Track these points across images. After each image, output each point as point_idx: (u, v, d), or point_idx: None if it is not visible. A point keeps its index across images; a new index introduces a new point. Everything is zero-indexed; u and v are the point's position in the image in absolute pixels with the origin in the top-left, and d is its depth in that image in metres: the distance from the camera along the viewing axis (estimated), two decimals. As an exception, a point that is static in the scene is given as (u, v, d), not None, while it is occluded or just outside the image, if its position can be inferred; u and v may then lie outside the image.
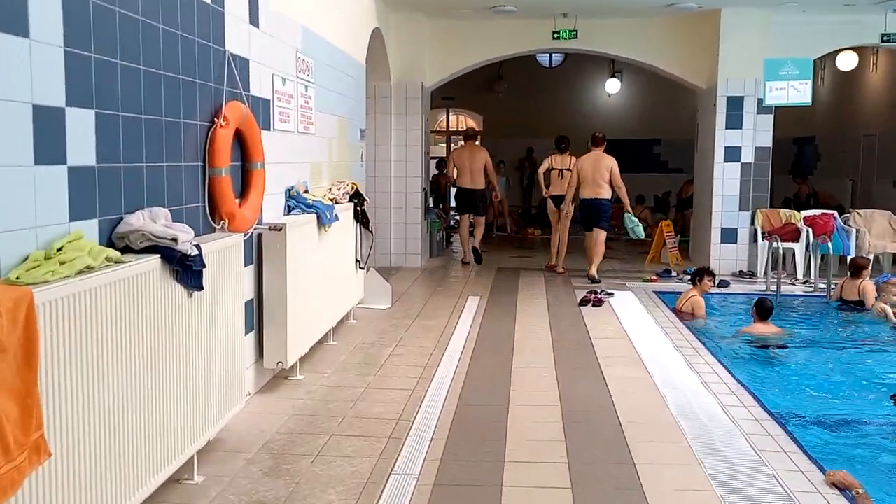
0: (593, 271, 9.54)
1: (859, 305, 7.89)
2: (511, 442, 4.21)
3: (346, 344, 6.35)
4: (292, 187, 5.61)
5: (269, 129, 5.15)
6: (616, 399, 4.96)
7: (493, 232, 14.27)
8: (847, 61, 13.94)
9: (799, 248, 9.82)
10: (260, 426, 4.40)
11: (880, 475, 4.14)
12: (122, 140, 3.29)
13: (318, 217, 5.64)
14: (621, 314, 7.55)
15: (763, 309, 6.78)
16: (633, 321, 7.24)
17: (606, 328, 6.99)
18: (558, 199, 10.42)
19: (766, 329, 6.69)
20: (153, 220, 3.34)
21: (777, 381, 5.60)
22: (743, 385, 5.26)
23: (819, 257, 9.43)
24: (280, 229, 4.93)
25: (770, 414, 4.67)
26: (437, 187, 14.11)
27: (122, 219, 3.24)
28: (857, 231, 10.05)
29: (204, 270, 3.46)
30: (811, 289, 9.16)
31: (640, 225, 9.96)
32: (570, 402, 4.88)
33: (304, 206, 5.57)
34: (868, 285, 7.93)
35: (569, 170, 10.19)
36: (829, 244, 8.94)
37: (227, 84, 4.41)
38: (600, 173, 9.61)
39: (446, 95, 16.50)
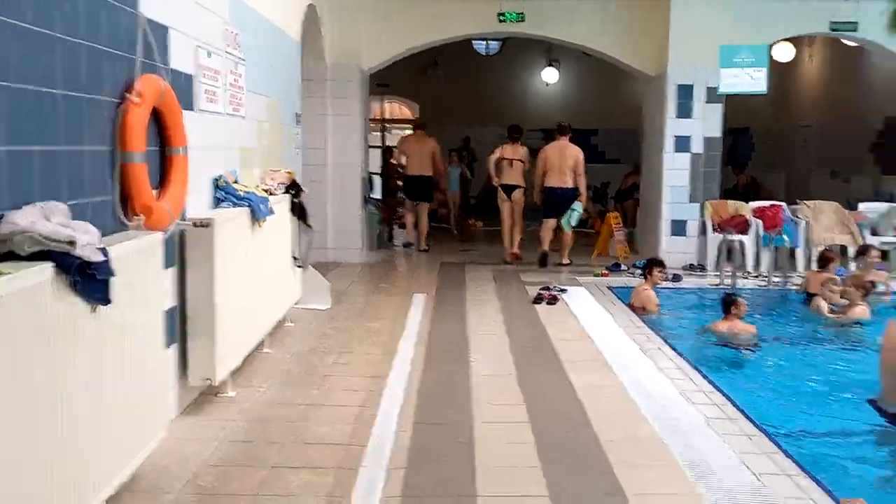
0: (566, 259, 9.99)
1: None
2: (481, 470, 3.66)
3: (284, 352, 5.69)
4: (220, 176, 4.92)
5: (192, 110, 4.45)
6: (590, 411, 4.48)
7: (435, 223, 13.67)
8: (783, 52, 13.88)
9: (749, 240, 9.60)
10: (185, 456, 3.73)
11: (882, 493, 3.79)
12: (2, 117, 2.59)
13: (252, 211, 4.97)
14: (578, 313, 7.11)
15: (733, 304, 6.43)
16: (592, 320, 6.81)
17: (565, 329, 6.54)
18: (509, 189, 10.25)
19: (736, 327, 6.35)
20: (46, 218, 2.65)
21: (754, 387, 5.22)
22: (720, 390, 4.87)
23: (774, 250, 9.23)
24: (207, 225, 4.25)
25: (756, 426, 4.27)
26: (387, 178, 13.72)
27: (2, 217, 2.54)
28: (806, 223, 9.91)
29: (111, 279, 2.78)
30: (765, 283, 8.95)
31: (577, 212, 10.02)
32: (540, 418, 4.38)
33: (234, 199, 4.89)
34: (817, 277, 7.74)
35: (520, 160, 10.11)
36: (785, 237, 8.72)
37: (142, 54, 3.71)
38: (566, 162, 9.82)
39: (381, 82, 15.82)
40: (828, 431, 4.55)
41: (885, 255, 8.97)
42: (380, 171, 14.35)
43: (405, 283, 8.67)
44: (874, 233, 9.85)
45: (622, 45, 10.30)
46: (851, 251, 9.77)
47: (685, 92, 9.67)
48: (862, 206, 10.24)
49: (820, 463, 3.91)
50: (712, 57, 9.30)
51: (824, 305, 7.24)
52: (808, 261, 9.63)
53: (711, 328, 6.46)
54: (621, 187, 14.42)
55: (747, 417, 4.41)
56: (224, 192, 4.88)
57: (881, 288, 7.93)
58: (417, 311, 7.12)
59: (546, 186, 9.95)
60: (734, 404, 4.63)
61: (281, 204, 5.79)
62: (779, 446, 3.97)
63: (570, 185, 9.83)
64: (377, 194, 13.80)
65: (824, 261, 7.91)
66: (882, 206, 10.11)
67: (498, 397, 4.75)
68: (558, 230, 10.02)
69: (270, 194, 5.61)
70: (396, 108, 19.52)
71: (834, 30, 9.83)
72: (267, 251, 5.44)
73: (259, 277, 5.20)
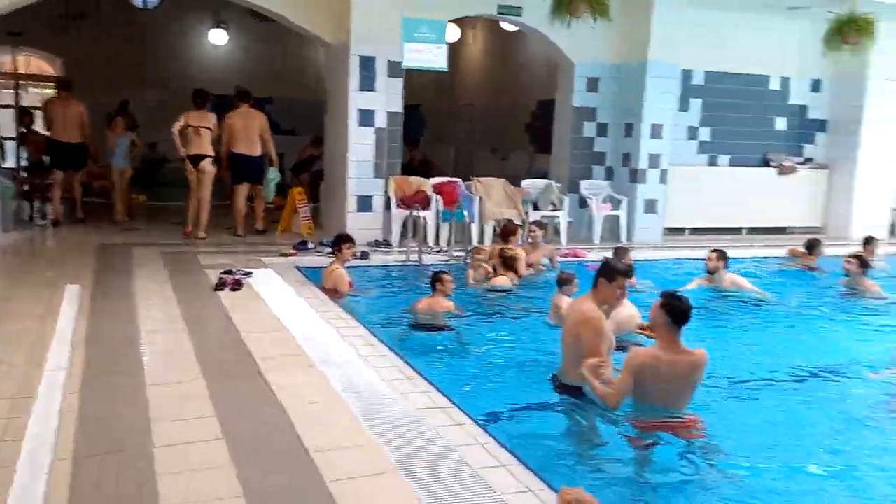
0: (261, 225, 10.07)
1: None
2: (169, 513, 2.96)
3: None
4: None
5: None
6: (295, 418, 3.95)
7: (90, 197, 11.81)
8: (449, 33, 14.39)
9: (431, 216, 9.76)
10: None
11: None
12: None
13: None
14: (268, 298, 6.48)
15: (438, 281, 6.32)
16: (285, 306, 6.24)
17: (256, 319, 5.88)
18: (196, 159, 9.41)
19: (438, 304, 6.24)
20: None
21: (456, 371, 5.11)
22: (426, 378, 4.66)
23: (452, 225, 9.46)
24: None
25: (467, 414, 4.12)
26: (29, 145, 11.52)
27: None
28: (480, 198, 10.35)
29: None
30: (446, 257, 9.13)
31: (275, 180, 10.13)
32: (237, 434, 3.74)
33: None
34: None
35: (208, 127, 9.27)
36: (466, 212, 8.95)
37: None
38: (253, 129, 9.67)
39: (13, 30, 13.31)
40: (527, 411, 4.54)
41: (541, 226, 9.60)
42: (16, 136, 12.04)
43: (54, 270, 7.25)
44: (535, 207, 10.63)
45: (297, 7, 9.70)
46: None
47: (368, 64, 9.41)
48: (525, 183, 10.99)
49: (528, 446, 3.87)
50: (395, 30, 9.16)
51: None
52: (482, 234, 10.06)
53: (414, 308, 6.28)
54: (299, 160, 13.93)
55: (456, 405, 4.24)
56: None
57: (545, 262, 8.54)
58: (71, 307, 5.92)
59: (234, 153, 9.70)
60: (441, 392, 4.44)
61: None
62: (492, 435, 3.84)
63: (258, 152, 9.75)
64: (11, 163, 11.61)
65: (506, 233, 8.23)
66: (541, 183, 10.95)
67: (182, 412, 3.99)
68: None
69: None
70: (35, 63, 16.70)
71: (501, 13, 10.32)
72: None
73: None
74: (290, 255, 8.53)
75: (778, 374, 5.40)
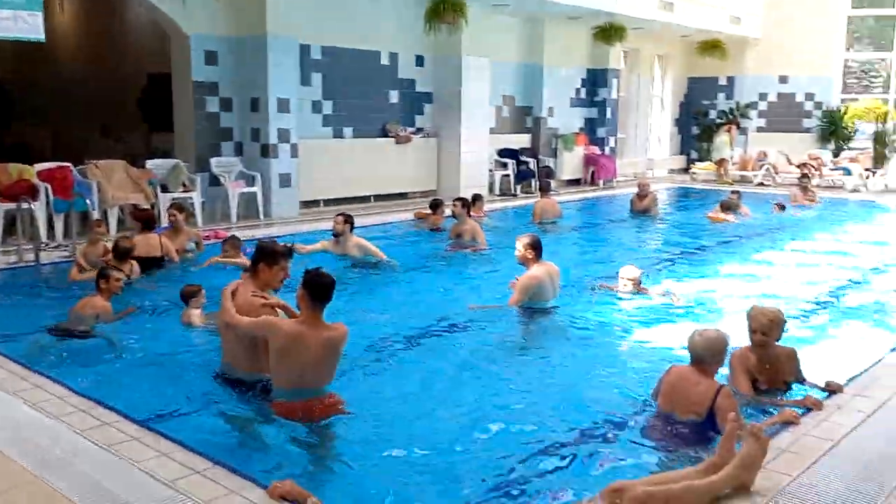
0: None
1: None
2: None
3: None
4: None
5: None
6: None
7: None
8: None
9: (40, 207, 8.52)
10: None
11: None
12: None
13: None
14: None
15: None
16: None
17: None
18: None
19: (91, 305, 5.49)
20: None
21: (112, 382, 4.57)
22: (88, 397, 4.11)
23: (77, 216, 8.38)
24: None
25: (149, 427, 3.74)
26: None
27: None
28: (98, 183, 9.33)
29: None
30: (67, 253, 8.08)
31: None
32: None
33: None
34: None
35: None
36: (88, 201, 7.99)
37: None
38: None
39: None
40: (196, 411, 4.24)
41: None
42: None
43: None
44: (164, 189, 9.94)
45: None
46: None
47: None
48: (150, 164, 10.19)
49: (212, 445, 3.65)
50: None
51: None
52: (107, 222, 9.09)
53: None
54: None
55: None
56: None
57: (191, 246, 8.09)
58: None
59: None
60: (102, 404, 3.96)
61: None
62: (171, 439, 3.55)
63: None
64: None
65: (139, 219, 7.60)
66: (168, 163, 10.26)
67: None
68: None
69: None
70: None
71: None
72: None
73: None
74: None
75: (400, 335, 5.65)
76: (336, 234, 7.98)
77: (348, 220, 8.02)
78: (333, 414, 4.04)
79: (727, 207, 11.86)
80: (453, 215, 9.27)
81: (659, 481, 3.14)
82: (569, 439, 3.94)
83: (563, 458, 3.74)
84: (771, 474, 3.29)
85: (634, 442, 3.89)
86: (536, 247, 6.21)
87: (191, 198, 9.95)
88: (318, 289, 4.07)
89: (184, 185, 10.12)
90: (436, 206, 10.45)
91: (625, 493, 3.02)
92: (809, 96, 18.84)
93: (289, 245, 5.32)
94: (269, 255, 4.55)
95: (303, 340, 4.01)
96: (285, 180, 11.00)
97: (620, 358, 5.33)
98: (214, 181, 10.72)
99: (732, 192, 13.20)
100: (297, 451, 3.76)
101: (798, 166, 16.98)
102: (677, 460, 3.63)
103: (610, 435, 4.00)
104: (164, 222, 8.64)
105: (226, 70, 10.77)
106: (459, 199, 9.42)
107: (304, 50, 11.56)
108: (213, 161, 10.73)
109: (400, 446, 3.82)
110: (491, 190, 14.18)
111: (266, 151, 10.82)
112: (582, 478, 3.52)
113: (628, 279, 6.71)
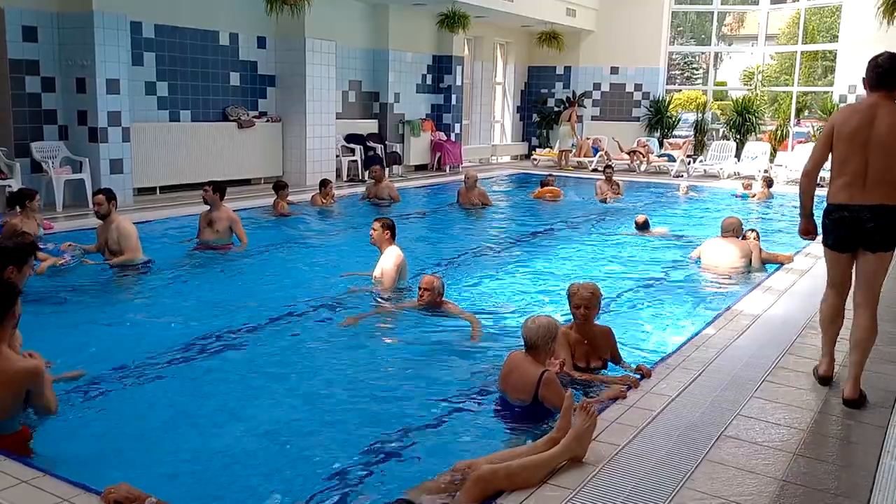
0: None
1: None
2: None
3: None
4: None
5: None
6: None
7: None
8: None
9: None
10: None
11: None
12: None
13: None
14: None
15: None
16: None
17: None
18: None
19: None
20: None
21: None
22: None
23: None
24: None
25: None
26: None
27: None
28: None
29: None
30: None
31: None
32: None
33: None
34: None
35: None
36: None
37: None
38: None
39: None
40: None
41: None
42: None
43: None
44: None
45: None
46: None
47: None
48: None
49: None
50: None
51: None
52: None
53: None
54: None
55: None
56: None
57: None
58: None
59: None
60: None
61: None
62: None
63: None
64: None
65: None
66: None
67: None
68: None
69: None
70: None
71: None
72: None
73: None
74: None
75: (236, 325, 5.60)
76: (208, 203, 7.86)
77: (217, 187, 7.89)
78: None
79: (546, 184, 13.39)
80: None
81: (502, 458, 3.29)
82: (420, 423, 4.05)
83: (413, 441, 3.85)
84: (600, 445, 3.54)
85: (479, 424, 4.07)
86: (392, 228, 6.52)
87: (9, 185, 9.18)
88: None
89: (0, 172, 9.32)
90: (280, 187, 10.46)
91: (472, 468, 3.15)
92: (638, 87, 20.07)
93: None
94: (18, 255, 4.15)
95: None
96: (116, 166, 10.38)
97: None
98: (36, 167, 9.95)
99: (548, 176, 14.31)
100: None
101: (628, 153, 18.10)
102: (519, 438, 3.83)
103: (459, 418, 4.15)
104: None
105: (48, 47, 9.99)
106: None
107: (136, 28, 10.91)
108: (35, 145, 9.94)
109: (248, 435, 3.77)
110: (339, 176, 14.08)
111: (94, 136, 10.14)
112: (431, 459, 3.64)
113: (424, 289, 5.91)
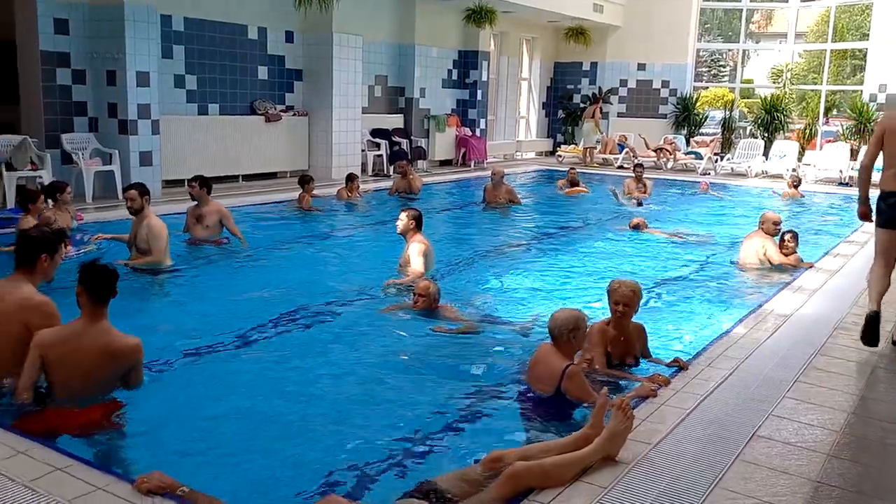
0: None
1: None
2: None
3: None
4: None
5: None
6: None
7: None
8: None
9: None
10: None
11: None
12: None
13: None
14: None
15: None
16: None
17: None
18: None
19: None
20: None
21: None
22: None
23: None
24: None
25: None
26: None
27: None
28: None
29: None
30: None
31: None
32: None
33: None
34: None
35: None
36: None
37: None
38: None
39: None
40: None
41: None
42: None
43: None
44: (10, 167, 9.21)
45: None
46: None
47: None
48: (-12, 139, 9.42)
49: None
50: None
51: None
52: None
53: None
54: None
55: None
56: None
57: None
58: None
59: None
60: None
61: None
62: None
63: None
64: None
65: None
66: (13, 139, 9.49)
67: None
68: None
69: None
70: None
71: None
72: None
73: None
74: None
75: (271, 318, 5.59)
76: (194, 197, 7.80)
77: (204, 182, 7.79)
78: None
79: (573, 183, 13.52)
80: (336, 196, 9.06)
81: (533, 453, 3.27)
82: (449, 409, 4.07)
83: (445, 429, 3.87)
84: (631, 443, 3.50)
85: (506, 415, 4.06)
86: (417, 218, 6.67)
87: (40, 176, 9.29)
88: (95, 283, 3.69)
89: (32, 163, 9.43)
90: (305, 181, 10.41)
91: (503, 461, 3.14)
92: (665, 83, 19.88)
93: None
94: (49, 245, 4.11)
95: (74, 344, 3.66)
96: (146, 158, 10.46)
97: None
98: (66, 158, 10.06)
99: (570, 169, 14.26)
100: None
101: (655, 150, 17.94)
102: (545, 429, 3.81)
103: (487, 409, 4.14)
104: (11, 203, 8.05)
105: (79, 40, 10.09)
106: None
107: (165, 21, 11.00)
108: (65, 137, 10.05)
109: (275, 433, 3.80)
110: (364, 170, 14.11)
111: (124, 128, 10.23)
112: (459, 448, 3.66)
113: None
